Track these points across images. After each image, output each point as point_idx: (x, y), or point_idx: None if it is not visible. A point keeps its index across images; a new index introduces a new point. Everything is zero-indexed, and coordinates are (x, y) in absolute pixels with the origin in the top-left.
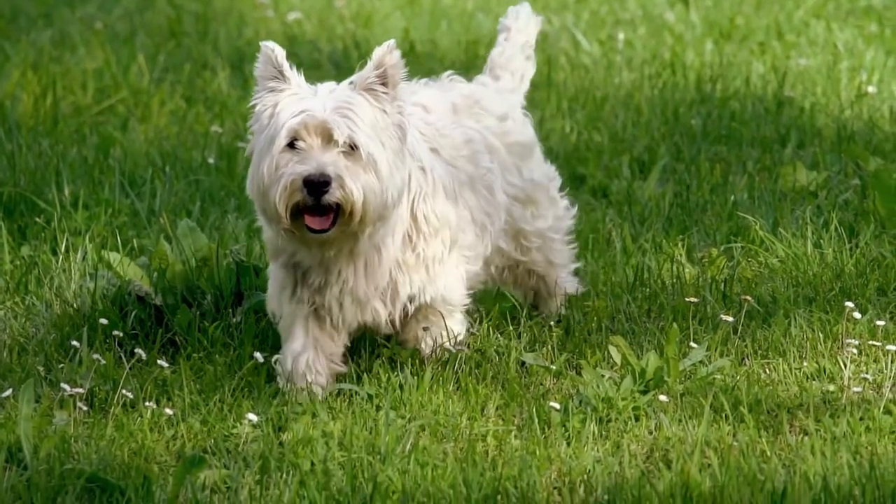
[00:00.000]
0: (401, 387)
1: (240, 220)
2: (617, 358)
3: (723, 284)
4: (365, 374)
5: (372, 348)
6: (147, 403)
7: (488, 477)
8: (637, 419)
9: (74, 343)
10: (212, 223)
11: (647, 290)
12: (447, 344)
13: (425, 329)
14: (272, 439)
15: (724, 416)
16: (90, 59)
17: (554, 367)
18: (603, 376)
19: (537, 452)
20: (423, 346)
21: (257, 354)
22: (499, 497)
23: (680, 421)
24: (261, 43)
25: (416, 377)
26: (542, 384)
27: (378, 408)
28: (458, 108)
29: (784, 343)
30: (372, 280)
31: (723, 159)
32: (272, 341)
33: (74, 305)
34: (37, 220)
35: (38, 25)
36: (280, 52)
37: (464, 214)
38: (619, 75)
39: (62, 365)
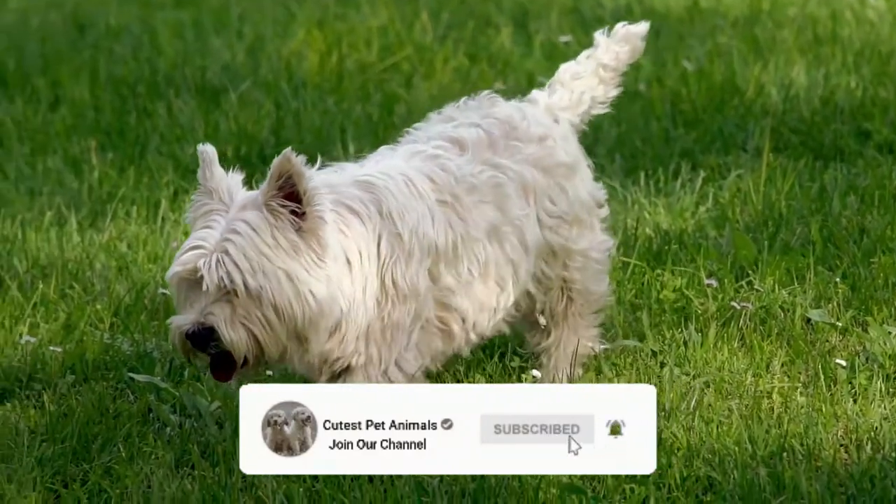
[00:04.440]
0: (685, 343)
1: None
2: None
3: None
4: (648, 331)
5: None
6: None
7: (774, 434)
8: None
9: None
10: None
11: None
12: None
13: None
14: None
15: None
16: (374, 17)
17: (840, 324)
18: (890, 333)
19: (823, 409)
20: None
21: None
22: (784, 454)
23: None
24: (198, 147)
25: (700, 334)
26: (827, 341)
27: (662, 364)
28: (495, 142)
29: None
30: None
31: None
32: None
33: None
34: None
35: None
36: (209, 157)
37: (464, 273)
38: None
39: None
